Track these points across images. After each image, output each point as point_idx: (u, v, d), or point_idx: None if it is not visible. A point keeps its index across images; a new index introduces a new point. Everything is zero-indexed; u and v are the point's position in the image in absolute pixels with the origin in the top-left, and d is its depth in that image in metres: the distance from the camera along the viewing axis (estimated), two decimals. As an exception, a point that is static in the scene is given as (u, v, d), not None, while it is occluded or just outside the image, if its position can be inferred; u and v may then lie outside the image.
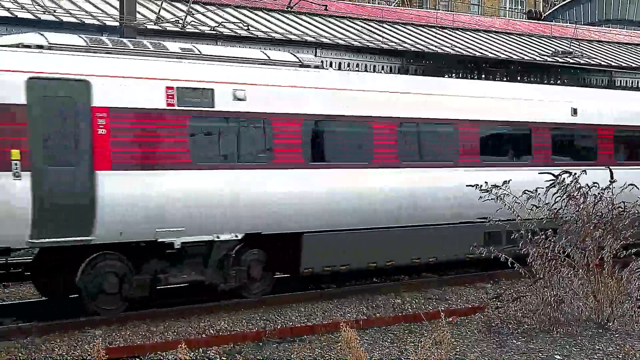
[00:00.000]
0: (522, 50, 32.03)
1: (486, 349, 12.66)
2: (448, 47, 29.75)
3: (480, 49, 30.74)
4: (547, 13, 49.56)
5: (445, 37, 31.25)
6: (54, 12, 21.96)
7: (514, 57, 30.67)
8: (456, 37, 31.53)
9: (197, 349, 12.28)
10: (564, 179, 14.48)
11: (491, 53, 30.51)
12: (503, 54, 30.80)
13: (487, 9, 50.51)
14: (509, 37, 33.81)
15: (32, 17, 21.34)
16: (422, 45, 29.24)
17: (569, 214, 14.40)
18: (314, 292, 16.61)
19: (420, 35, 30.64)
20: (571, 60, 31.44)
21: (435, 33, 31.46)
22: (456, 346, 12.40)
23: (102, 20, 22.46)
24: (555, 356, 12.30)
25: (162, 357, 12.08)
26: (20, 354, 12.01)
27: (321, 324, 14.14)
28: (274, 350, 12.58)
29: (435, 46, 29.50)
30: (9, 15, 21.01)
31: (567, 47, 33.14)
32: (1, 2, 21.49)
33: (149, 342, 12.80)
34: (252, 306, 15.30)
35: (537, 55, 31.53)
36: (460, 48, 30.00)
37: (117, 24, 21.23)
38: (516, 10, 51.88)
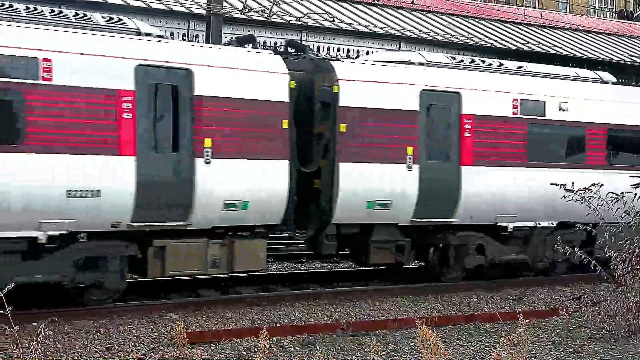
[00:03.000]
0: (611, 50, 31.38)
1: (563, 353, 12.45)
2: (535, 44, 29.32)
3: (568, 47, 30.22)
4: (638, 13, 48.40)
5: (532, 34, 30.79)
6: (143, -2, 22.28)
7: (602, 57, 30.08)
8: (543, 35, 31.05)
9: (272, 337, 12.31)
10: None
11: (579, 52, 29.97)
12: (591, 53, 30.23)
13: (575, 8, 49.55)
14: (598, 36, 33.16)
15: (122, 2, 21.67)
16: (507, 42, 28.87)
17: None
18: (389, 287, 16.53)
19: (507, 31, 30.25)
20: (662, 62, 30.70)
21: (522, 30, 31.03)
22: (532, 348, 12.21)
23: (189, 8, 22.68)
24: (635, 364, 12.04)
25: (237, 344, 12.17)
26: (98, 334, 12.22)
27: (395, 319, 14.08)
28: (347, 343, 12.56)
29: (522, 43, 29.10)
30: (101, 0, 21.34)
31: (658, 48, 32.38)
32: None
33: (227, 328, 12.92)
34: (326, 297, 15.31)
35: (626, 56, 30.85)
36: (547, 46, 29.54)
37: (204, 12, 21.41)
38: (606, 10, 50.79)
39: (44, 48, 12.40)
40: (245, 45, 15.53)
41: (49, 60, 12.35)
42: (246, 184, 14.11)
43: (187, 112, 13.58)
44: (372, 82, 15.54)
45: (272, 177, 14.36)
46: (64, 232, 12.62)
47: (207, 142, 13.68)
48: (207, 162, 13.67)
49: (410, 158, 15.65)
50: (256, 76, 14.39)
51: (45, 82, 12.30)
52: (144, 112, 13.17)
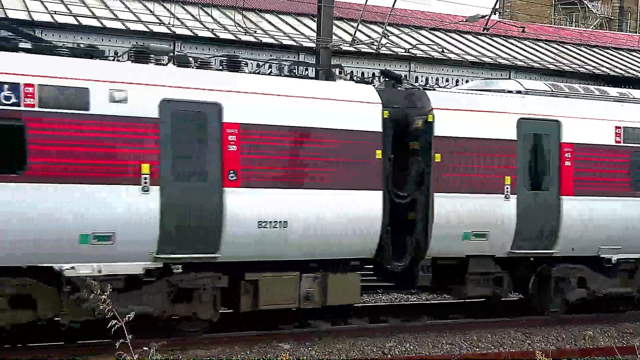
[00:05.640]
0: None
1: (685, 389, 12.02)
2: (650, 71, 28.61)
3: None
4: None
5: (648, 60, 30.08)
6: (255, 32, 22.69)
7: None
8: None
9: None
10: None
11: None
12: None
13: (692, 32, 48.16)
14: None
15: (234, 37, 22.13)
16: (621, 69, 28.27)
17: None
18: (503, 320, 16.26)
19: (620, 58, 29.64)
20: None
21: (636, 57, 30.34)
22: (652, 384, 11.84)
23: (298, 42, 22.99)
24: None
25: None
26: (211, 362, 12.42)
27: (510, 352, 13.85)
28: (459, 376, 12.43)
29: (636, 70, 28.44)
30: (212, 36, 21.85)
31: None
32: (204, 24, 22.41)
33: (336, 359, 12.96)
34: (438, 330, 15.19)
35: None
36: (664, 72, 28.78)
37: (313, 45, 21.67)
38: None
39: None
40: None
41: None
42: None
43: None
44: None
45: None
46: None
47: None
48: None
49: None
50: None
51: None
52: None
